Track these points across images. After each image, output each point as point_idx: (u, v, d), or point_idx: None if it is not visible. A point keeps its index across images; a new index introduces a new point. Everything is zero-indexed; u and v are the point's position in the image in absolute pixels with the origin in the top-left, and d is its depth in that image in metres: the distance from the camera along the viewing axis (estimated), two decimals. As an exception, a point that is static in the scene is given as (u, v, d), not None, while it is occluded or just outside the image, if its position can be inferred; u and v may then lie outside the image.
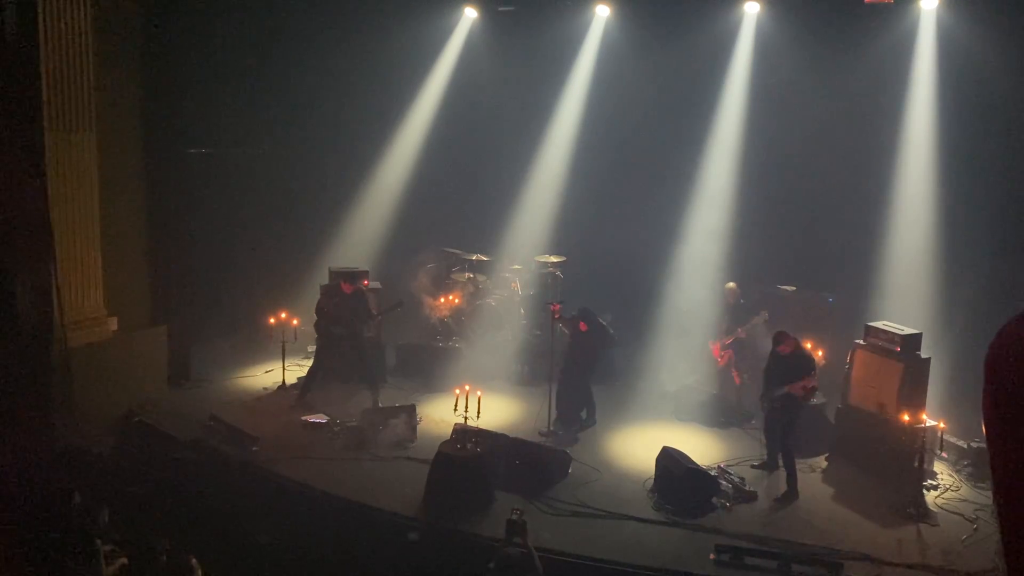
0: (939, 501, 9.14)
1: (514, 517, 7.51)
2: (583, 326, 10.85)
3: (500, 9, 14.18)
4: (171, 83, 11.58)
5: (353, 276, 11.45)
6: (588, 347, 10.91)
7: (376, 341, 12.19)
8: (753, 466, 9.84)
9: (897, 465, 9.21)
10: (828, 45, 12.13)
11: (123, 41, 11.01)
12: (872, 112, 12.58)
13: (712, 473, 9.23)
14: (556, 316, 10.97)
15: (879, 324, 10.08)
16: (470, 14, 14.50)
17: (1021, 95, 11.18)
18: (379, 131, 14.57)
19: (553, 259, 13.42)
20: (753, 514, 8.82)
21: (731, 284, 11.61)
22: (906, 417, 9.17)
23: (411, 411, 10.59)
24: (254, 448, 9.81)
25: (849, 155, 12.61)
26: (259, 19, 12.92)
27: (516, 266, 13.78)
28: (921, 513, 8.78)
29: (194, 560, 6.80)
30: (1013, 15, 10.95)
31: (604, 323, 11.09)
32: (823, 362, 10.60)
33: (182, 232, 11.93)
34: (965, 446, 9.79)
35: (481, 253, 13.69)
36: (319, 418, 10.71)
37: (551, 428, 10.59)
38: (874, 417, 9.72)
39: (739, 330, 11.27)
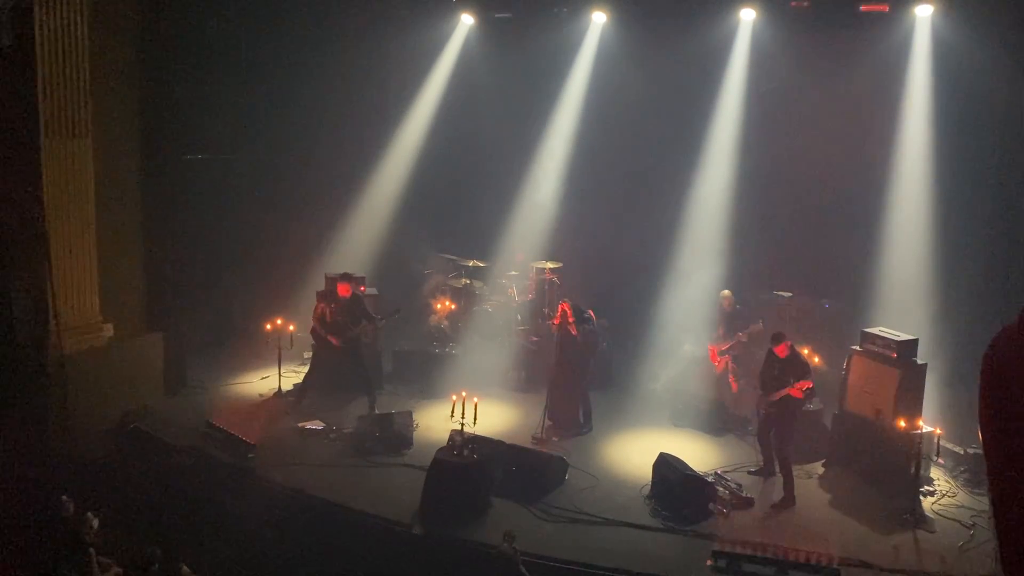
0: (936, 507, 9.14)
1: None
2: (568, 313, 10.73)
3: (497, 15, 14.21)
4: (167, 89, 11.57)
5: (349, 276, 11.43)
6: (576, 348, 10.85)
7: (373, 347, 12.18)
8: (750, 472, 9.83)
9: (894, 471, 9.21)
10: (824, 52, 12.18)
11: (119, 47, 11.02)
12: (867, 119, 12.61)
13: (709, 479, 9.22)
14: (558, 320, 10.94)
15: (875, 330, 10.08)
16: (467, 20, 14.53)
17: (1016, 101, 11.21)
18: (376, 137, 14.57)
19: (550, 265, 13.42)
20: (750, 520, 8.82)
21: (726, 292, 11.62)
22: (902, 423, 9.17)
23: (408, 417, 10.58)
24: (250, 455, 9.77)
25: (845, 161, 12.64)
26: (256, 26, 12.94)
27: (513, 272, 13.78)
28: (918, 519, 8.78)
29: (185, 568, 6.77)
30: (1007, 21, 11.00)
31: (587, 315, 11.00)
32: (820, 368, 10.61)
33: (178, 238, 11.92)
34: (962, 452, 9.79)
35: (478, 259, 13.69)
36: (315, 424, 10.68)
37: (544, 434, 10.56)
38: (871, 423, 9.72)
39: (739, 334, 11.27)
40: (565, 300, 11.21)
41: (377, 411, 10.86)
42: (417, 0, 14.22)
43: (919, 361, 9.75)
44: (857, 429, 9.88)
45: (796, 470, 9.43)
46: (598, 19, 13.88)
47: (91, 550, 6.93)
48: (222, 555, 8.01)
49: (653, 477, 9.29)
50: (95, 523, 7.11)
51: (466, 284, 13.42)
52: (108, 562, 7.26)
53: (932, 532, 8.65)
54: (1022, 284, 10.38)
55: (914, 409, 9.40)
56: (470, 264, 13.60)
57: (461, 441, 9.06)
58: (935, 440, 9.17)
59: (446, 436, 9.51)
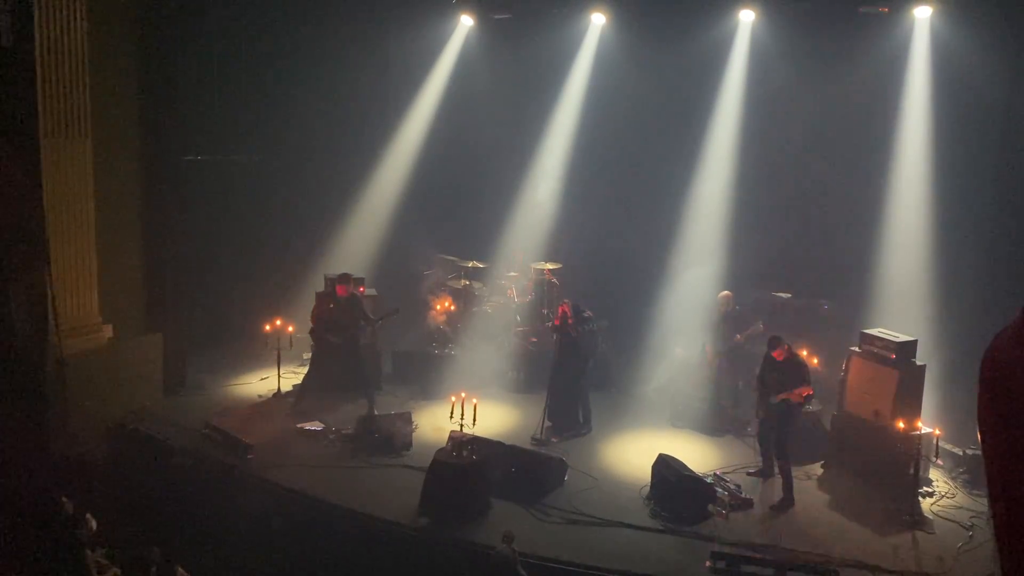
0: (935, 508, 9.14)
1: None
2: (568, 314, 10.72)
3: (496, 16, 14.23)
4: (167, 91, 11.57)
5: (347, 277, 11.44)
6: (575, 349, 10.85)
7: (372, 348, 12.17)
8: (749, 473, 9.84)
9: (893, 472, 9.21)
10: (823, 53, 12.19)
11: (119, 49, 11.02)
12: (866, 120, 12.63)
13: (708, 480, 9.23)
14: (557, 321, 10.93)
15: (875, 331, 10.09)
16: (466, 22, 14.55)
17: (1014, 102, 11.23)
18: (375, 137, 14.59)
19: (549, 266, 13.43)
20: (749, 522, 8.81)
21: (725, 292, 11.63)
22: (901, 424, 9.18)
23: (407, 418, 10.58)
24: (249, 456, 9.78)
25: (844, 162, 12.66)
26: (256, 28, 12.94)
27: (512, 273, 13.79)
28: (917, 520, 8.78)
29: (181, 570, 6.77)
30: (1005, 23, 11.02)
31: (587, 315, 11.00)
32: (819, 369, 10.61)
33: (178, 239, 11.91)
34: (961, 453, 9.80)
35: (477, 260, 13.70)
36: (315, 425, 10.68)
37: (543, 435, 10.56)
38: (870, 424, 9.72)
39: (737, 336, 11.27)
40: (565, 301, 11.23)
41: (376, 412, 10.85)
42: (417, 1, 14.23)
43: (918, 362, 9.76)
44: (856, 430, 9.88)
45: (795, 471, 9.43)
46: (597, 20, 13.91)
47: (87, 552, 6.91)
48: (221, 556, 8.00)
49: (652, 478, 9.29)
50: (93, 524, 7.10)
51: (465, 285, 13.43)
52: (106, 563, 7.24)
53: (931, 533, 8.65)
54: (1021, 285, 10.39)
55: (913, 410, 9.41)
56: (469, 265, 13.61)
57: (460, 442, 9.05)
58: (934, 441, 9.17)
59: (445, 437, 9.51)
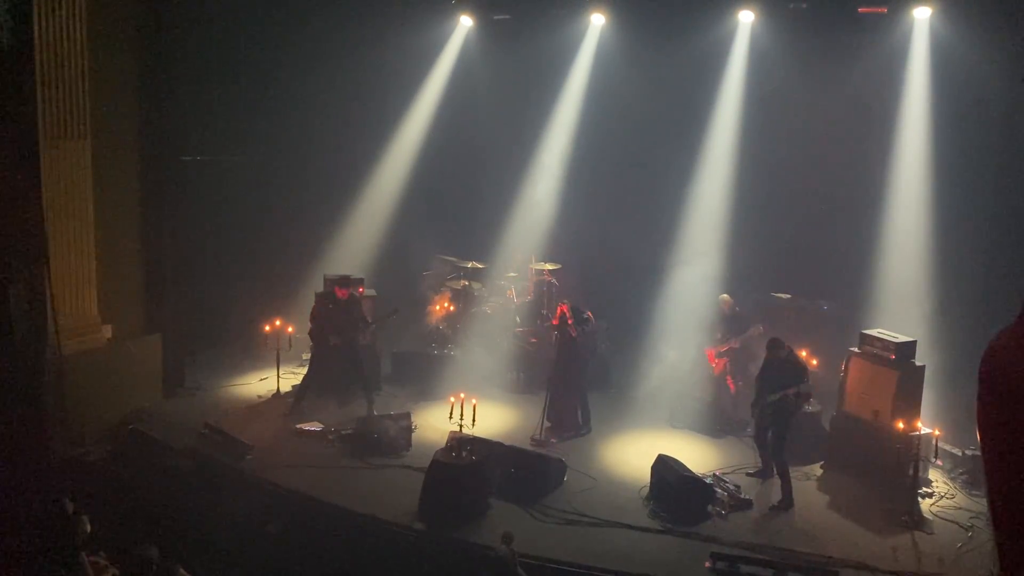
0: (934, 509, 9.14)
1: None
2: (567, 315, 10.72)
3: (496, 17, 14.23)
4: (166, 91, 11.57)
5: (348, 281, 11.45)
6: (575, 349, 10.85)
7: (372, 348, 12.17)
8: (748, 474, 9.84)
9: (892, 473, 9.22)
10: (822, 54, 12.20)
11: (118, 49, 11.01)
12: (866, 121, 12.64)
13: (707, 481, 9.23)
14: (556, 322, 10.94)
15: (874, 332, 10.10)
16: (466, 22, 14.55)
17: (1013, 102, 11.24)
18: (374, 138, 14.59)
19: (548, 266, 13.43)
20: (748, 522, 8.82)
21: (725, 296, 11.63)
22: (901, 425, 9.18)
23: (406, 419, 10.57)
24: (248, 456, 9.77)
25: (843, 163, 12.66)
26: (255, 28, 12.94)
27: (512, 273, 13.79)
28: (916, 521, 8.78)
29: (181, 570, 6.76)
30: (1005, 23, 11.02)
31: (586, 316, 11.01)
32: (818, 370, 10.62)
33: (177, 240, 11.91)
34: (960, 454, 9.81)
35: (476, 261, 13.70)
36: (314, 426, 10.68)
37: (542, 436, 10.56)
38: (869, 425, 9.73)
39: (734, 340, 11.27)
40: (564, 301, 11.23)
41: (375, 412, 10.86)
42: (416, 2, 14.23)
43: (917, 363, 9.77)
44: (855, 431, 9.89)
45: (794, 472, 9.44)
46: (597, 21, 13.92)
47: (83, 555, 6.90)
48: (220, 556, 8.00)
49: (651, 478, 9.30)
50: (88, 526, 7.09)
51: (465, 285, 13.43)
52: (104, 563, 7.23)
53: (930, 534, 8.65)
54: (1021, 285, 10.39)
55: (912, 411, 9.42)
56: (468, 265, 13.61)
57: (460, 443, 9.05)
58: (933, 442, 9.18)
59: (445, 438, 9.51)
